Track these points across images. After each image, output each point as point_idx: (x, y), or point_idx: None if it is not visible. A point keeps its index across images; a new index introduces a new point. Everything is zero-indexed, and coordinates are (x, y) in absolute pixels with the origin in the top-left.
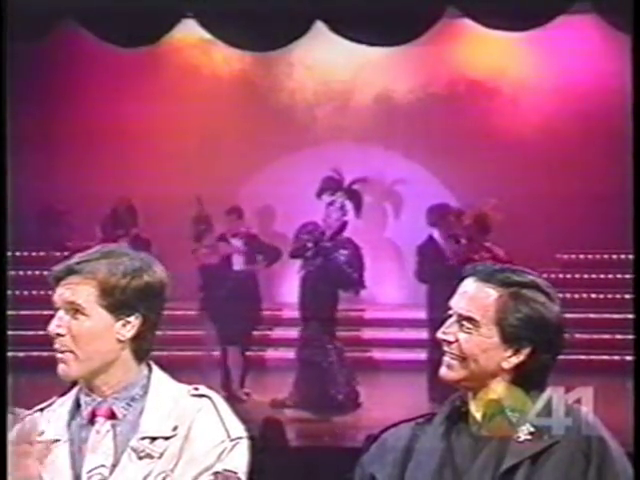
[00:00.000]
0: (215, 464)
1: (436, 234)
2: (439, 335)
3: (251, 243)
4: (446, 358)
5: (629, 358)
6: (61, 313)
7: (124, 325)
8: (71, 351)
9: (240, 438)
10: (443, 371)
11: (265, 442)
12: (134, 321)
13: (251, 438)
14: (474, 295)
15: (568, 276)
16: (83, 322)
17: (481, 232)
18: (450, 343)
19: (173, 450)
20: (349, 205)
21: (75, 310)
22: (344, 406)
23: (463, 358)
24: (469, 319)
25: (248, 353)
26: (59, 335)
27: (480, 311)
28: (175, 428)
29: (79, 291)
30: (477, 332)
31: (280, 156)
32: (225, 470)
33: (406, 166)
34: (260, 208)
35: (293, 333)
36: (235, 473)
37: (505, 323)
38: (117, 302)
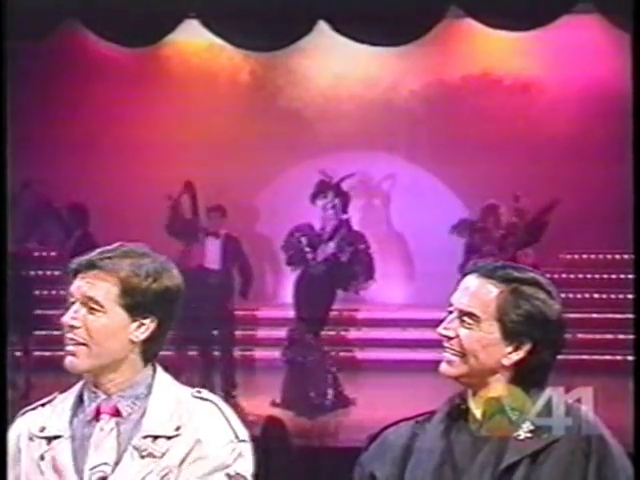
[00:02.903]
0: (225, 464)
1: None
2: (440, 331)
3: (230, 246)
4: (446, 354)
5: (629, 358)
6: (77, 306)
7: (139, 326)
8: (84, 344)
9: (245, 440)
10: (443, 367)
11: (266, 442)
12: (149, 324)
13: (252, 439)
14: (475, 291)
15: (571, 276)
16: (99, 318)
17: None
18: (450, 339)
19: (177, 450)
20: (338, 203)
21: (92, 305)
22: (339, 406)
23: (463, 354)
24: (470, 315)
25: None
26: (73, 327)
27: (481, 307)
28: (178, 428)
29: (99, 287)
30: (478, 328)
31: (279, 159)
32: (237, 473)
33: (406, 167)
34: (263, 213)
35: (283, 333)
36: (245, 478)
37: (506, 319)
38: (136, 303)
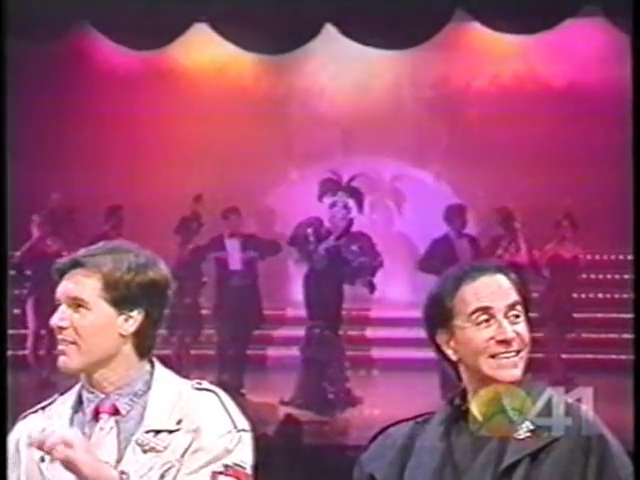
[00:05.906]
0: (223, 454)
1: (452, 233)
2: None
3: (249, 242)
4: None
5: (629, 357)
6: (64, 306)
7: (126, 320)
8: (74, 343)
9: (245, 430)
10: None
11: (281, 440)
12: (136, 316)
13: (264, 435)
14: None
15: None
16: (86, 315)
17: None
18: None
19: (178, 442)
20: (351, 203)
21: (78, 303)
22: (348, 404)
23: None
24: None
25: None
26: (62, 328)
27: None
28: (179, 422)
29: (83, 284)
30: None
31: (286, 162)
32: (235, 464)
33: (414, 171)
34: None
35: (297, 332)
36: (244, 468)
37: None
38: (120, 296)
